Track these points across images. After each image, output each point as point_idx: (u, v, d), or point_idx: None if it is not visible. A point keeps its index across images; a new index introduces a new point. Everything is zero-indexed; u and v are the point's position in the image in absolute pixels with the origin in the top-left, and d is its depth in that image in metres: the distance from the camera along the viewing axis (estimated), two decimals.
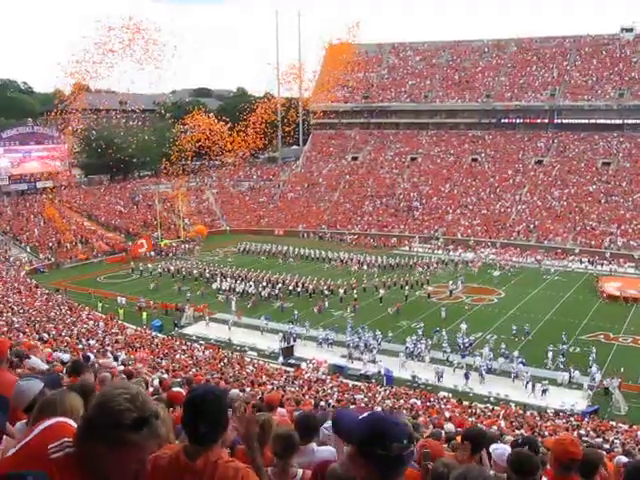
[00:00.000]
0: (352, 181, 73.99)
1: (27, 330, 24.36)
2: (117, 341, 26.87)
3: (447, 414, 19.67)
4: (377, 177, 73.64)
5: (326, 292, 41.89)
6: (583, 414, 24.18)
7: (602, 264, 50.35)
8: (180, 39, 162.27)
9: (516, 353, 30.41)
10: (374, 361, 30.50)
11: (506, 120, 75.82)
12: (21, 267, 50.54)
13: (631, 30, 75.82)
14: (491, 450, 4.58)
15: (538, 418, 21.99)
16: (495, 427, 15.77)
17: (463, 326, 33.72)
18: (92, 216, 65.34)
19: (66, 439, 1.98)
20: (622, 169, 65.04)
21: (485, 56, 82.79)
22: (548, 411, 24.30)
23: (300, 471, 3.70)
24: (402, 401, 22.44)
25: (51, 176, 67.46)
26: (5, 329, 22.25)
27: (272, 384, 21.54)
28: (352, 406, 17.53)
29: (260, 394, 14.34)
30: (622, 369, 27.99)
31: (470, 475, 2.40)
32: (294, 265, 51.42)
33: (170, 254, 56.91)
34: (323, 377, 27.22)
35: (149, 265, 51.06)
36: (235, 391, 11.86)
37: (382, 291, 41.65)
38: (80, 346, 21.73)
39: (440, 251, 55.87)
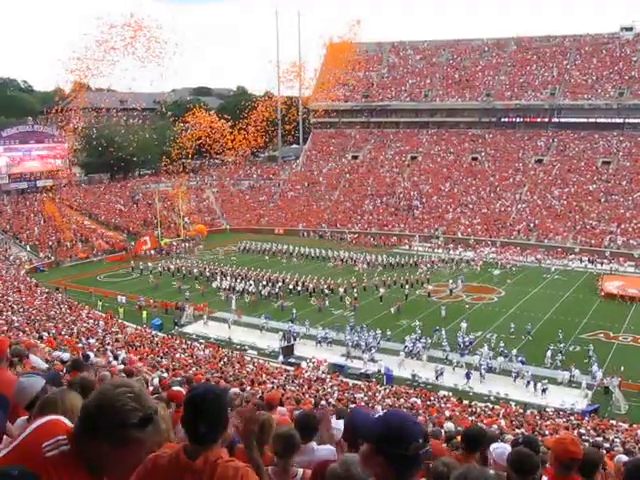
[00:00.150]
0: (352, 180, 73.98)
1: (27, 329, 24.37)
2: (117, 340, 26.86)
3: (447, 413, 19.68)
4: (377, 176, 73.62)
5: (326, 291, 41.90)
6: (583, 413, 24.18)
7: (602, 263, 50.37)
8: (182, 37, 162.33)
9: (514, 351, 30.43)
10: (373, 360, 30.52)
11: (506, 119, 75.81)
12: (21, 266, 50.56)
13: (631, 29, 75.79)
14: (491, 449, 4.58)
15: (538, 417, 22.00)
16: (495, 426, 15.77)
17: (463, 325, 33.75)
18: (92, 215, 65.34)
19: (60, 437, 1.97)
20: (622, 168, 65.02)
21: (485, 55, 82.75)
22: (548, 410, 24.31)
23: (301, 471, 3.70)
24: (402, 400, 22.45)
25: (51, 175, 67.47)
26: (5, 328, 22.24)
27: (272, 383, 21.54)
28: (352, 405, 17.53)
29: (260, 393, 14.33)
30: (622, 368, 27.98)
31: (471, 475, 2.40)
32: (297, 264, 51.43)
33: (170, 253, 56.93)
34: (323, 376, 27.21)
35: (149, 264, 51.08)
36: (234, 389, 11.86)
37: (382, 290, 41.65)
38: (80, 345, 21.73)
39: (440, 250, 55.89)
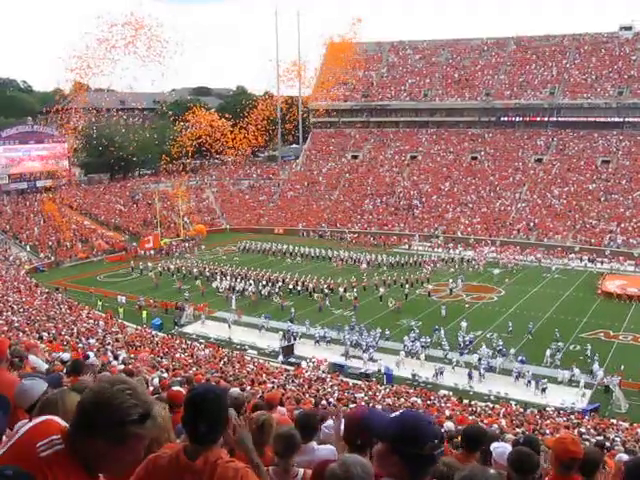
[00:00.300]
0: (352, 179, 73.97)
1: (27, 329, 24.37)
2: (117, 340, 26.85)
3: (447, 412, 19.68)
4: (377, 175, 73.61)
5: (326, 291, 41.90)
6: (583, 412, 24.18)
7: (602, 262, 50.35)
8: (182, 36, 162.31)
9: (512, 351, 30.43)
10: (373, 359, 30.52)
11: (506, 118, 75.77)
12: (21, 266, 50.55)
13: (630, 28, 75.76)
14: (492, 449, 4.58)
15: (539, 416, 22.00)
16: (495, 425, 15.77)
17: (463, 324, 33.75)
18: (92, 215, 65.32)
19: (54, 437, 1.97)
20: (622, 167, 65.02)
21: (485, 54, 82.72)
22: (548, 409, 24.31)
23: (301, 470, 3.70)
24: (402, 399, 22.45)
25: (51, 175, 67.45)
26: (5, 328, 22.24)
27: (272, 383, 21.53)
28: (352, 405, 17.53)
29: (260, 393, 14.33)
30: (622, 367, 28.01)
31: (476, 478, 2.39)
32: (300, 264, 51.41)
33: (171, 252, 56.90)
34: (323, 376, 27.21)
35: (149, 264, 51.07)
36: (235, 389, 11.84)
37: (382, 289, 41.65)
38: (80, 345, 21.72)
39: (440, 249, 55.87)
